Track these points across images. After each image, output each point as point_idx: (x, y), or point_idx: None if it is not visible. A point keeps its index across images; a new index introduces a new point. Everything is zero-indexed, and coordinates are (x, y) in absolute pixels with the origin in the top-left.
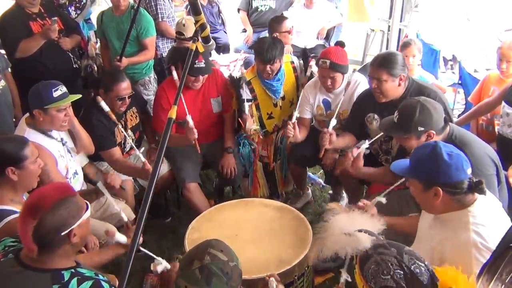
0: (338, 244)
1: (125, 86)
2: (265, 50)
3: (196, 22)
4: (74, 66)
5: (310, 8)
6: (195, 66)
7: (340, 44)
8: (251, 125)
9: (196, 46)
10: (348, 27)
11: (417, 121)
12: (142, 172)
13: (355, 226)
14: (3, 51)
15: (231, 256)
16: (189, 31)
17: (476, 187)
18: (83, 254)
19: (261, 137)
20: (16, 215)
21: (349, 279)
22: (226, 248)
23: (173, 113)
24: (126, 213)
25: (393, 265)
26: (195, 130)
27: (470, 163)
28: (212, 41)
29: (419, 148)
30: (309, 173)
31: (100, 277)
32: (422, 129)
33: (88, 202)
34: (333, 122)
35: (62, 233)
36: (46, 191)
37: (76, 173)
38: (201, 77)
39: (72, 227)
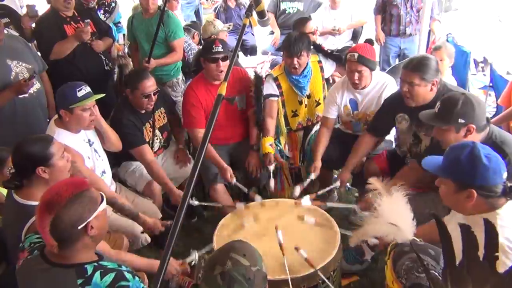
0: (381, 232)
1: (149, 84)
2: (291, 43)
3: None
4: (106, 68)
5: (335, 8)
6: (212, 50)
7: (369, 41)
8: (267, 143)
9: (250, 21)
10: None
11: (459, 112)
12: (173, 195)
13: (399, 214)
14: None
15: (254, 260)
16: (204, 33)
17: (511, 192)
18: (116, 250)
19: (276, 160)
20: None
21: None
22: (249, 251)
23: (223, 89)
24: (153, 212)
25: (429, 265)
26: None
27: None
28: (268, 16)
29: (456, 147)
30: (335, 176)
31: (123, 268)
32: (463, 121)
33: (103, 194)
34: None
35: (79, 227)
36: (61, 187)
37: (104, 172)
38: (221, 63)
39: (89, 220)
